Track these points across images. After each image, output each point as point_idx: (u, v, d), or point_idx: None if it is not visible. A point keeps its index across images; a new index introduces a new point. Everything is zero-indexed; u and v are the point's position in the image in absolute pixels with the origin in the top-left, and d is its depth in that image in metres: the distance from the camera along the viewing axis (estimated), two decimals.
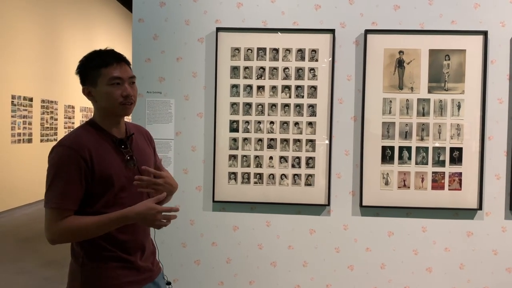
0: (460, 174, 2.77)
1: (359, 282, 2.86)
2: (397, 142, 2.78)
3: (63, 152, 1.53)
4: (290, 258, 2.87)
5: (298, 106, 2.81)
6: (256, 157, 2.83)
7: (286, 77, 2.80)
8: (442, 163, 2.77)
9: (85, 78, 1.61)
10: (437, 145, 2.77)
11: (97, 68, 1.58)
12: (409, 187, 2.78)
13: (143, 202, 1.54)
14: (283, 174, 2.83)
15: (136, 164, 1.66)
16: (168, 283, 1.84)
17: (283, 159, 2.82)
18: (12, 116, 7.43)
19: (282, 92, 2.81)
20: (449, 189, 2.78)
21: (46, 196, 1.53)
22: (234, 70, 2.82)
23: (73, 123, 9.64)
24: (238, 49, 2.82)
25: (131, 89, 1.61)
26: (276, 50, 2.80)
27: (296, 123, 2.81)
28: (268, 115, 2.82)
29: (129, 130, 1.72)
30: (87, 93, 1.62)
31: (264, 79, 2.81)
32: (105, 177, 1.55)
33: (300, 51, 2.80)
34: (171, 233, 2.87)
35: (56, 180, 1.51)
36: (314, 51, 2.79)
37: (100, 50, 1.64)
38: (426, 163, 2.78)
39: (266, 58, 2.81)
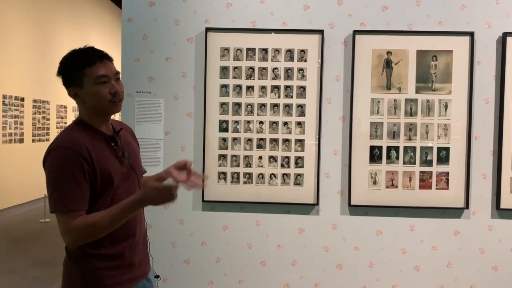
0: (447, 173, 2.80)
1: (348, 281, 2.88)
2: (385, 142, 2.81)
3: (61, 154, 1.49)
4: (279, 257, 2.88)
5: (287, 106, 2.82)
6: (245, 156, 2.84)
7: (275, 77, 2.82)
8: (429, 163, 2.80)
9: (70, 80, 1.58)
10: (427, 144, 2.80)
11: (81, 68, 1.54)
12: (397, 187, 2.81)
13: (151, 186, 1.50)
14: (272, 174, 2.84)
15: (130, 160, 1.65)
16: (157, 276, 1.84)
17: (273, 158, 2.84)
18: (3, 116, 7.38)
19: (271, 92, 2.82)
20: (436, 189, 2.81)
21: (53, 201, 1.48)
22: (224, 70, 2.83)
23: (65, 123, 9.59)
24: (227, 49, 2.83)
25: (118, 85, 1.58)
26: (266, 50, 2.82)
27: (285, 123, 2.83)
28: (258, 115, 2.83)
29: (115, 126, 1.71)
30: (73, 94, 1.58)
31: (253, 79, 2.82)
32: (105, 175, 1.53)
33: (289, 52, 2.81)
34: (161, 232, 2.87)
35: (60, 183, 1.47)
36: (303, 51, 2.81)
37: (80, 49, 1.60)
38: (414, 163, 2.80)
39: (255, 58, 2.82)
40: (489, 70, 2.81)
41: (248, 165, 2.84)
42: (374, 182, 2.81)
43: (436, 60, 2.79)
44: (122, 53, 2.86)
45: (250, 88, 2.83)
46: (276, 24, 2.82)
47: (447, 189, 2.80)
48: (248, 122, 2.83)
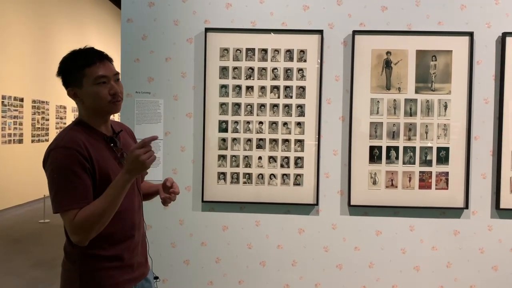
0: (447, 173, 2.80)
1: (348, 281, 2.88)
2: (384, 142, 2.81)
3: (61, 154, 1.48)
4: (279, 257, 2.88)
5: (287, 106, 2.82)
6: (245, 157, 2.84)
7: (275, 77, 2.82)
8: (429, 163, 2.80)
9: (69, 80, 1.58)
10: (427, 144, 2.80)
11: (80, 69, 1.54)
12: (396, 187, 2.81)
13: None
14: (272, 174, 2.84)
15: None
16: (156, 278, 1.84)
17: (272, 159, 2.84)
18: (2, 117, 7.38)
19: (271, 92, 2.82)
20: (436, 189, 2.81)
21: (56, 201, 1.47)
22: (223, 71, 2.83)
23: (64, 123, 9.59)
24: (227, 50, 2.82)
25: (117, 86, 1.59)
26: (265, 50, 2.81)
27: (285, 123, 2.83)
28: (257, 115, 2.83)
29: (114, 127, 1.71)
30: (72, 94, 1.59)
31: (253, 79, 2.82)
32: (104, 175, 1.53)
33: (289, 52, 2.81)
34: (161, 233, 2.87)
35: (62, 183, 1.47)
36: (302, 51, 2.81)
37: (80, 50, 1.60)
38: (414, 163, 2.80)
39: (255, 58, 2.82)
40: (488, 70, 2.81)
41: (248, 165, 2.84)
42: (374, 182, 2.81)
43: (436, 60, 2.79)
44: (121, 53, 2.86)
45: (249, 88, 2.82)
46: (276, 24, 2.82)
47: (447, 189, 2.80)
48: (248, 122, 2.83)
